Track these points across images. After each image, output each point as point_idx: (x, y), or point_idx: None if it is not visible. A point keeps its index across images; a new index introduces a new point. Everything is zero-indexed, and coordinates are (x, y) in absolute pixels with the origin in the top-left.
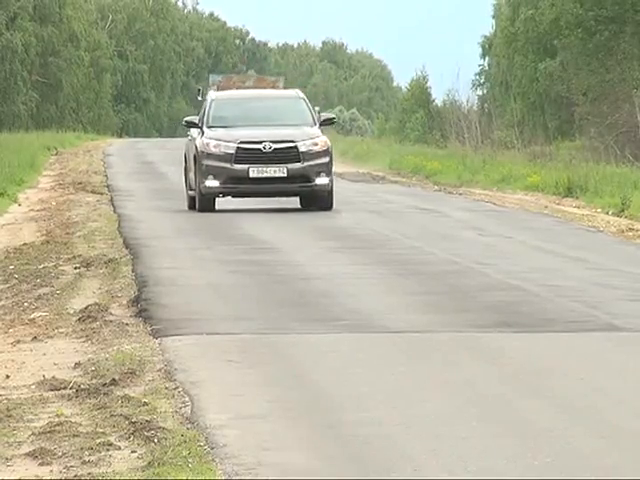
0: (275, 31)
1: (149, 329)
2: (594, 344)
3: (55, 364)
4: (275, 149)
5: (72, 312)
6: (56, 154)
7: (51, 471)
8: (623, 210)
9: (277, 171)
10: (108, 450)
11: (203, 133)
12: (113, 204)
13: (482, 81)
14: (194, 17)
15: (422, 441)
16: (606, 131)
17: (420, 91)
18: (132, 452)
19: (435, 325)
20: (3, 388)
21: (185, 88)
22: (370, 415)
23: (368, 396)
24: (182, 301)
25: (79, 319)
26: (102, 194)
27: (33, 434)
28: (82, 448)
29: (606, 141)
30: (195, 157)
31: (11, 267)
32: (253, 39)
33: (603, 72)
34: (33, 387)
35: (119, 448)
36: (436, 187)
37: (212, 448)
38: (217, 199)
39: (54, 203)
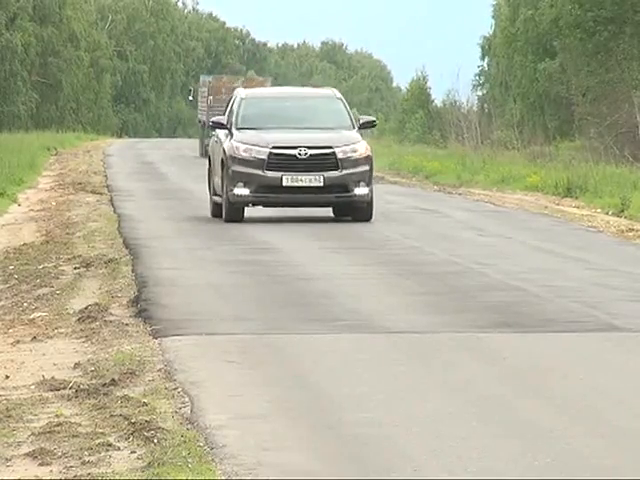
0: (275, 31)
1: (149, 329)
2: (594, 344)
3: (55, 364)
4: (311, 155)
5: (72, 312)
6: (56, 154)
7: (51, 471)
8: (623, 210)
9: (313, 180)
10: (108, 450)
11: (232, 135)
12: (113, 204)
13: (482, 81)
14: (194, 17)
15: (422, 441)
16: (606, 131)
17: (420, 91)
18: (132, 452)
19: (435, 325)
20: (3, 388)
21: (185, 88)
22: (370, 415)
23: (368, 396)
24: (182, 301)
25: (79, 319)
26: (102, 194)
27: (33, 434)
28: (82, 448)
29: (606, 141)
30: (223, 161)
31: (11, 267)
32: (253, 39)
33: (602, 72)
34: (33, 387)
35: (119, 448)
36: (436, 187)
37: (212, 448)
38: (246, 208)
39: (54, 203)
